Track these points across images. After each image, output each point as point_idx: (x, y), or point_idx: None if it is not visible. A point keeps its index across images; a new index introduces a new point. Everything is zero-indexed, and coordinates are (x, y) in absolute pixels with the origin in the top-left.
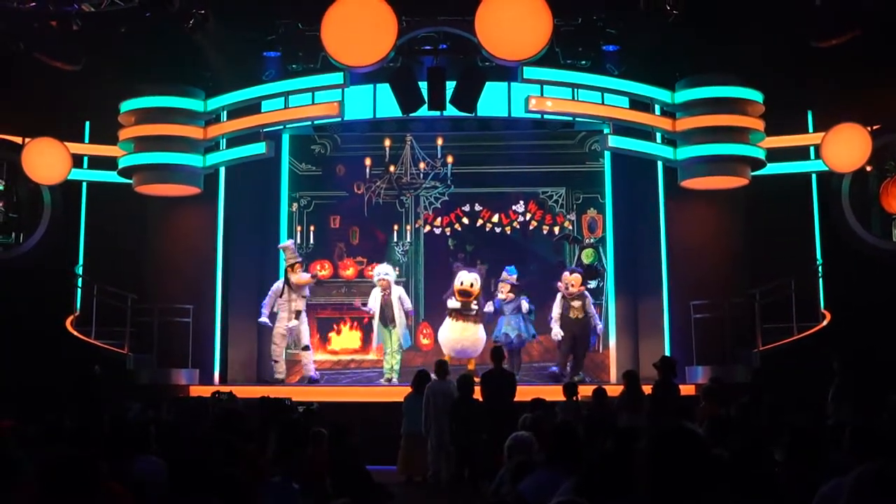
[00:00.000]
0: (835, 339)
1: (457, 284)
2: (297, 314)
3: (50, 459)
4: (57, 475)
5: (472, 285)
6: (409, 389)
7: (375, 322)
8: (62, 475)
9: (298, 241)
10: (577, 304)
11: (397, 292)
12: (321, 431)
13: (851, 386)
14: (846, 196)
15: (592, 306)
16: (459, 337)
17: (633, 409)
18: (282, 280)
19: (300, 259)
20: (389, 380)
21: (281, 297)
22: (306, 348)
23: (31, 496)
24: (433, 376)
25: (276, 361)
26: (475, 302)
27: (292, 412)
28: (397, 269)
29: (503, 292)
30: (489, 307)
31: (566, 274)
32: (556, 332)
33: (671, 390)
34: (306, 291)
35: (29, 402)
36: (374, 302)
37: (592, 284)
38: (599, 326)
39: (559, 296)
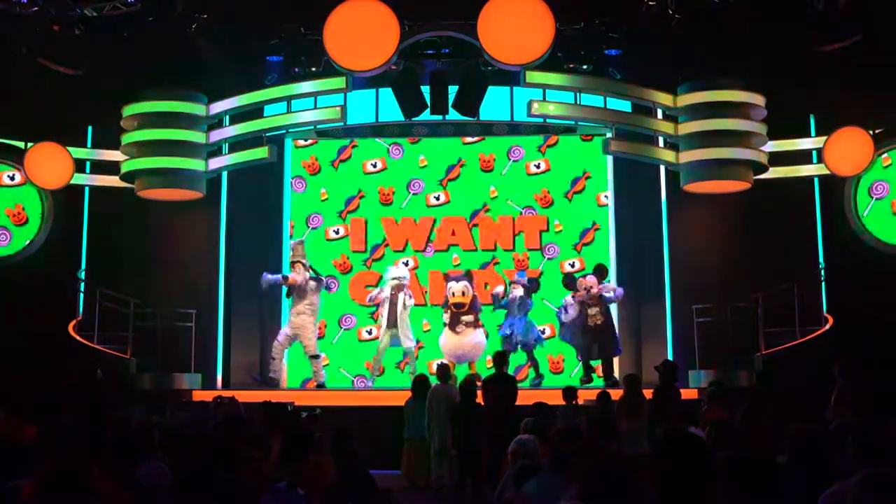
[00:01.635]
0: (837, 344)
1: (448, 295)
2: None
3: (43, 463)
4: (50, 479)
5: (463, 294)
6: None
7: (384, 320)
8: (55, 479)
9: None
10: (594, 311)
11: (404, 297)
12: (325, 437)
13: (852, 391)
14: (849, 200)
15: (610, 305)
16: (458, 343)
17: (633, 414)
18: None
19: (301, 259)
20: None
21: (288, 294)
22: (315, 357)
23: (32, 499)
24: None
25: (273, 359)
26: (469, 309)
27: (297, 417)
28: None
29: (517, 293)
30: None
31: (581, 279)
32: (570, 308)
33: (672, 395)
34: (313, 298)
35: (31, 406)
36: (382, 296)
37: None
38: (619, 291)
39: (577, 301)
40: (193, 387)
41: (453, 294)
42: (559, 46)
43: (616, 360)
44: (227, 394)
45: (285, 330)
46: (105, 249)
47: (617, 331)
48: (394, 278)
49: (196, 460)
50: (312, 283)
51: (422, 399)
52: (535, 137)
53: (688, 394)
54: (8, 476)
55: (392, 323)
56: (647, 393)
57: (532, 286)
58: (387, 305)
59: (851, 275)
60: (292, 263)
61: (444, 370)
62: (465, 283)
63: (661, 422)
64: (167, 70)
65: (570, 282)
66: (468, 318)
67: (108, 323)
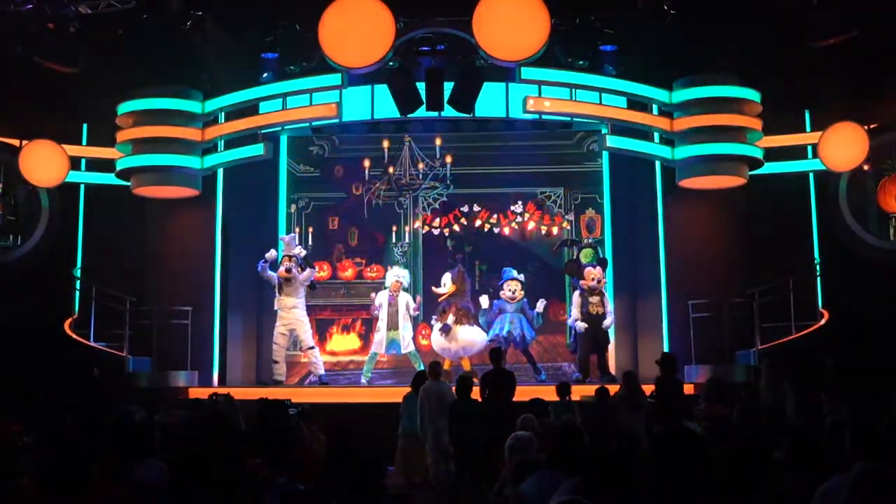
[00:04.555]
0: (833, 338)
1: None
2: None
3: (44, 462)
4: (50, 477)
5: (444, 285)
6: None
7: (384, 323)
8: (55, 477)
9: (297, 242)
10: (595, 299)
11: (404, 298)
12: (314, 431)
13: (846, 385)
14: (844, 195)
15: (609, 303)
16: (445, 339)
17: (632, 410)
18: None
19: (294, 254)
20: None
21: (277, 291)
22: (312, 348)
23: (32, 497)
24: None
25: (276, 362)
26: (450, 300)
27: (286, 413)
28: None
29: (513, 291)
30: (484, 301)
31: (589, 269)
32: (582, 325)
33: (673, 388)
34: (302, 290)
35: (28, 405)
36: (380, 300)
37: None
38: (607, 322)
39: (577, 293)
40: (190, 384)
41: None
42: (554, 42)
43: (613, 356)
44: (222, 391)
45: (280, 329)
46: (101, 247)
47: (607, 322)
48: (392, 278)
49: (190, 458)
50: (306, 274)
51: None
52: (530, 133)
53: (684, 389)
54: None
55: (393, 325)
56: (645, 388)
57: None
58: (386, 307)
59: (847, 270)
60: (286, 258)
61: (435, 367)
62: (447, 273)
63: (661, 416)
64: (162, 67)
65: (575, 268)
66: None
67: (104, 321)
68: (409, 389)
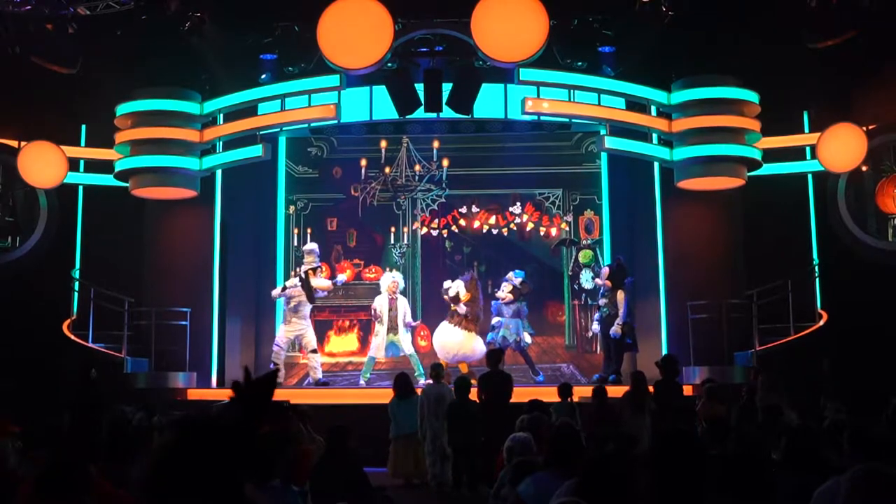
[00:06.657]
0: (831, 339)
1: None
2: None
3: (41, 463)
4: (46, 477)
5: (458, 293)
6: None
7: (383, 327)
8: (51, 477)
9: (295, 243)
10: (602, 301)
11: (403, 302)
12: (312, 433)
13: (845, 386)
14: (842, 196)
15: (625, 305)
16: (452, 343)
17: (637, 411)
18: (299, 286)
19: (319, 264)
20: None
21: (291, 303)
22: (314, 352)
23: (28, 497)
24: (428, 380)
25: (276, 364)
26: (461, 306)
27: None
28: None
29: (504, 291)
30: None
31: (604, 269)
32: (596, 326)
33: (674, 390)
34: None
35: (26, 405)
36: (380, 304)
37: (587, 281)
38: (612, 329)
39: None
40: (188, 386)
41: (447, 290)
42: (553, 44)
43: None
44: (223, 392)
45: (287, 335)
46: (99, 248)
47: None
48: (389, 278)
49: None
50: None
51: (406, 397)
52: (529, 134)
53: (683, 391)
54: None
55: (392, 328)
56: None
57: (523, 289)
58: (386, 311)
59: (845, 271)
60: (314, 269)
61: (436, 370)
62: (459, 281)
63: (661, 417)
64: (161, 68)
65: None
66: (462, 310)
67: (103, 322)
68: None
